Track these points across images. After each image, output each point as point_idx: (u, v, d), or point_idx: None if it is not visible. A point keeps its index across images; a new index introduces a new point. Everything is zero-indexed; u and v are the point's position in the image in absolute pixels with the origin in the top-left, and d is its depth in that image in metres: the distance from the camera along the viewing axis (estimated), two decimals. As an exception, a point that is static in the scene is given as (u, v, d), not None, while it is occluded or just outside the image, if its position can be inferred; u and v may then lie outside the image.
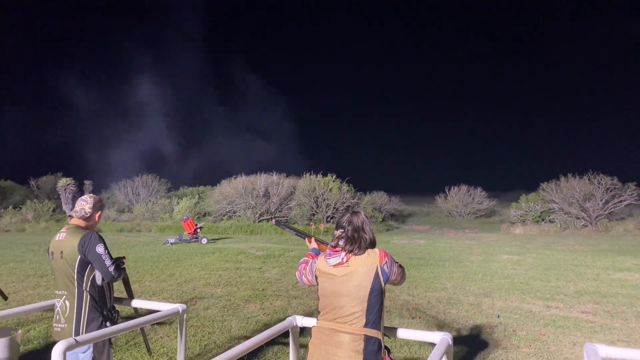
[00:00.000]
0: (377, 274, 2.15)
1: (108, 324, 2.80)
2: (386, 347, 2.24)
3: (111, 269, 2.76)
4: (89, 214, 2.89)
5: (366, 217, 2.36)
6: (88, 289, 2.74)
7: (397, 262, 2.30)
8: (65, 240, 2.76)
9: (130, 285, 3.36)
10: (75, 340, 2.22)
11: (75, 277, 2.72)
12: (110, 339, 2.85)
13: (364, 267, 2.16)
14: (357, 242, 2.23)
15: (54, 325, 2.78)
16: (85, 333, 2.68)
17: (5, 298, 4.71)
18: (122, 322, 2.84)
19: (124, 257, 3.12)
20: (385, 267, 2.17)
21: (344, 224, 2.30)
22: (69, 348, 2.16)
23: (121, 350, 4.52)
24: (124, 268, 3.11)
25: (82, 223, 2.87)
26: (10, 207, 25.63)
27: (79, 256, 2.71)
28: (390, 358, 2.23)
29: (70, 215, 3.40)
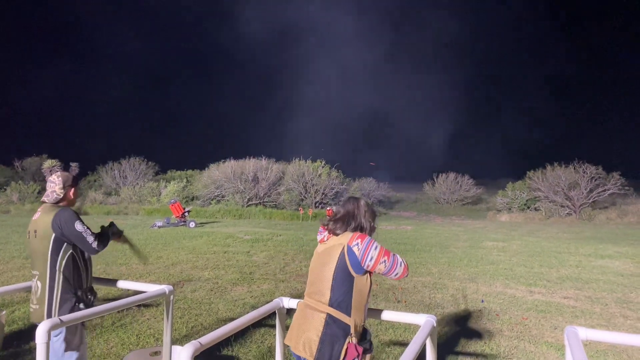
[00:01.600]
0: (342, 253, 2.12)
1: (82, 305, 2.71)
2: (363, 335, 2.16)
3: (94, 244, 2.70)
4: (61, 195, 2.80)
5: (364, 205, 2.34)
6: (62, 270, 2.65)
7: (390, 253, 2.16)
8: (39, 219, 2.69)
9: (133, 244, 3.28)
10: (60, 320, 2.20)
11: (50, 257, 2.63)
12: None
13: (335, 246, 2.18)
14: (340, 222, 2.25)
15: (30, 305, 2.73)
16: (58, 314, 2.62)
17: None
18: (104, 303, 2.82)
19: (112, 223, 3.08)
20: (355, 248, 2.11)
21: (339, 206, 2.37)
22: (54, 327, 2.14)
23: (107, 332, 4.51)
24: (122, 231, 3.07)
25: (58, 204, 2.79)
26: (-6, 188, 25.23)
27: (53, 234, 2.62)
28: (361, 348, 2.08)
29: (43, 201, 3.23)
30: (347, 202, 2.35)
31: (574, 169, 22.70)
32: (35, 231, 2.66)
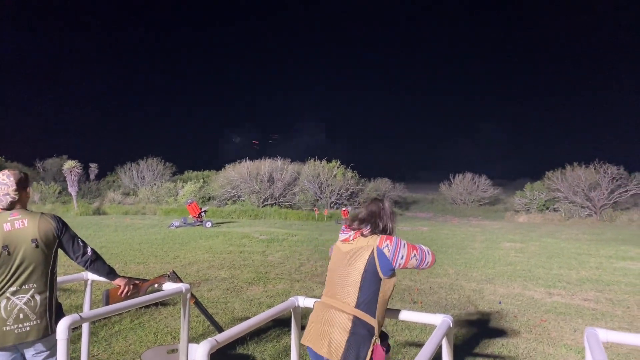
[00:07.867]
0: (372, 255, 2.12)
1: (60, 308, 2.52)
2: (383, 335, 2.19)
3: (88, 249, 2.52)
4: (16, 198, 2.39)
5: (389, 207, 2.33)
6: (55, 277, 2.44)
7: (417, 246, 2.19)
8: (32, 227, 2.32)
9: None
10: (80, 316, 2.22)
11: (51, 265, 2.38)
12: None
13: (363, 247, 2.16)
14: (367, 223, 2.24)
15: (22, 324, 2.27)
16: (55, 324, 2.30)
17: None
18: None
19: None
20: (385, 250, 2.12)
21: (361, 207, 2.35)
22: (75, 324, 2.16)
23: (125, 330, 4.58)
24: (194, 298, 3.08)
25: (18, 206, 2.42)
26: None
27: (57, 240, 2.40)
28: (384, 348, 2.12)
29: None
30: (371, 204, 2.34)
31: (595, 169, 22.26)
32: (34, 240, 2.30)
